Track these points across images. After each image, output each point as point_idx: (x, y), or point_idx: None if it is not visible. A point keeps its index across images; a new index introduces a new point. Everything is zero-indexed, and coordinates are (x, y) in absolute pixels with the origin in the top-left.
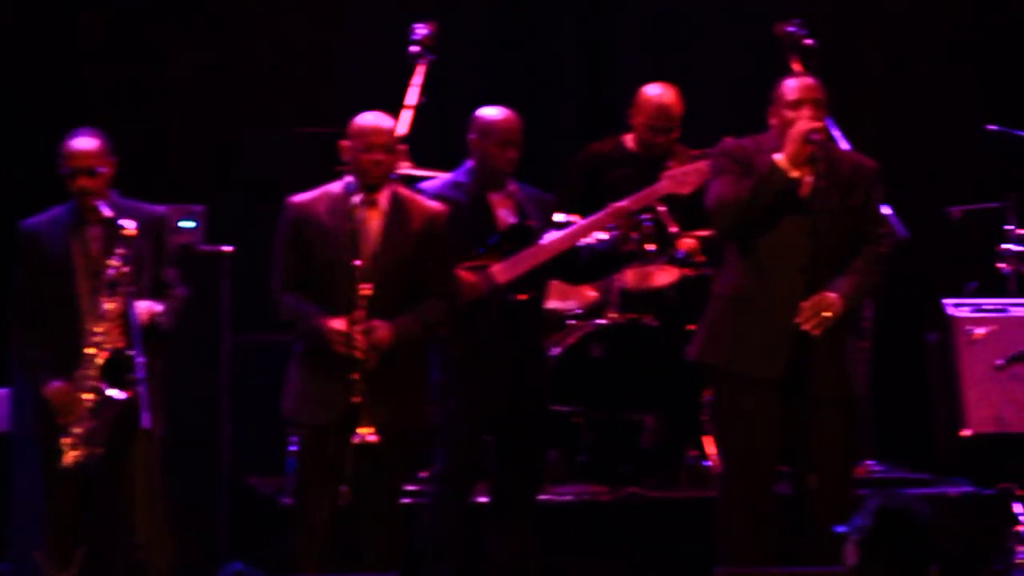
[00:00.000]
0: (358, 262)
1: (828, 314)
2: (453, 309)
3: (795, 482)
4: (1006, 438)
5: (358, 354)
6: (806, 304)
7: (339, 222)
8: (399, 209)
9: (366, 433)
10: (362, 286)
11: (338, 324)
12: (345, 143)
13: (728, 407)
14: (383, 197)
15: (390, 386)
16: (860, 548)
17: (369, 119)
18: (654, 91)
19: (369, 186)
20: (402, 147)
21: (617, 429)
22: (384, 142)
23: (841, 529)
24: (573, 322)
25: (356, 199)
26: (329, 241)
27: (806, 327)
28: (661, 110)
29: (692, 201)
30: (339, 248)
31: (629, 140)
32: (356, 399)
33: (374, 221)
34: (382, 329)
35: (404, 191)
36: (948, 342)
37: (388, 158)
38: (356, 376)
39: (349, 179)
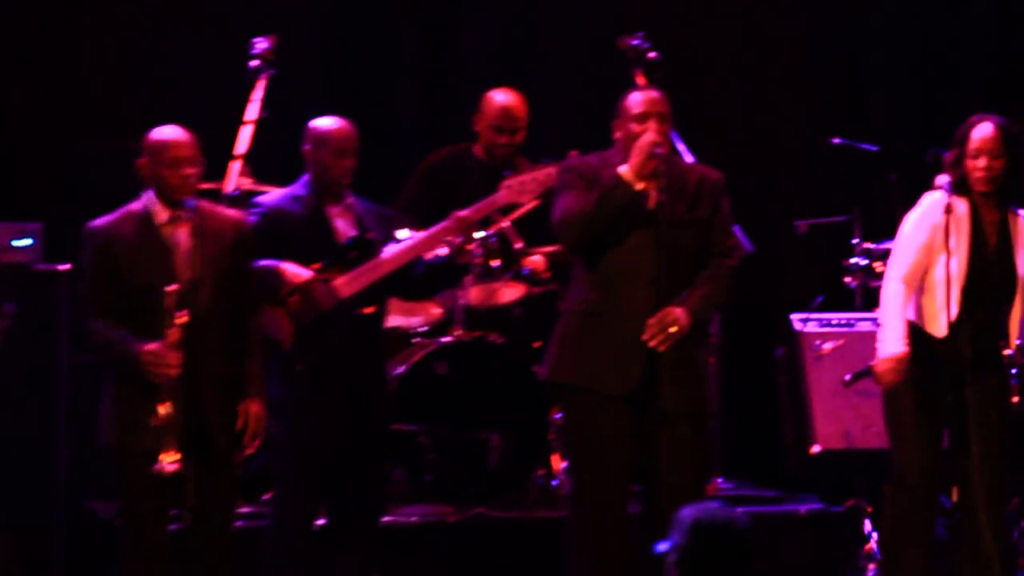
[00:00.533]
0: (172, 287)
1: (674, 329)
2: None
3: (647, 500)
4: (855, 454)
5: (172, 372)
6: (652, 320)
7: (148, 244)
8: (206, 223)
9: (166, 461)
10: (178, 314)
11: (152, 347)
12: (143, 160)
13: (578, 425)
14: (188, 213)
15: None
16: (678, 567)
17: (169, 133)
18: (498, 94)
19: (175, 202)
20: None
21: (463, 448)
22: (189, 155)
23: (660, 549)
24: (418, 340)
25: (162, 218)
26: (141, 265)
27: (652, 343)
28: (505, 111)
29: (538, 217)
30: (152, 272)
31: (475, 149)
32: (157, 422)
33: (184, 239)
34: None
35: (204, 203)
36: (796, 357)
37: (196, 172)
38: (164, 403)
39: (149, 196)
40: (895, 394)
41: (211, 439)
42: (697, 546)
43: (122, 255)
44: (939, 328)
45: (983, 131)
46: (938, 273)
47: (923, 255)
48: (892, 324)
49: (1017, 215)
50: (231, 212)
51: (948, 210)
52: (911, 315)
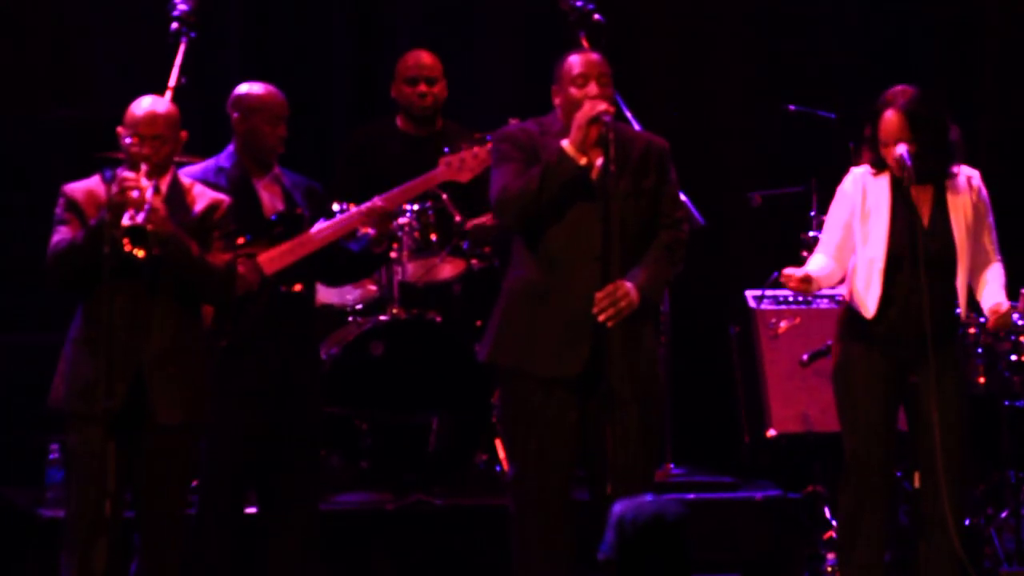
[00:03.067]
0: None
1: (623, 304)
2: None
3: (592, 487)
4: (813, 438)
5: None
6: (600, 294)
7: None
8: (177, 196)
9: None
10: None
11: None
12: (121, 129)
13: (520, 409)
14: (163, 184)
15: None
16: (613, 565)
17: (145, 105)
18: (409, 53)
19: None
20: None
21: (401, 433)
22: (161, 130)
23: (602, 550)
24: (353, 318)
25: None
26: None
27: (601, 318)
28: (414, 61)
29: (475, 188)
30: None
31: (398, 121)
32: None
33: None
34: None
35: (184, 179)
36: (750, 336)
37: (169, 144)
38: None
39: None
40: (843, 376)
41: (154, 415)
42: (628, 543)
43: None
44: (867, 309)
45: (888, 118)
46: (862, 252)
47: (846, 233)
48: (809, 260)
49: (955, 178)
50: (213, 194)
51: (907, 180)
52: (847, 295)
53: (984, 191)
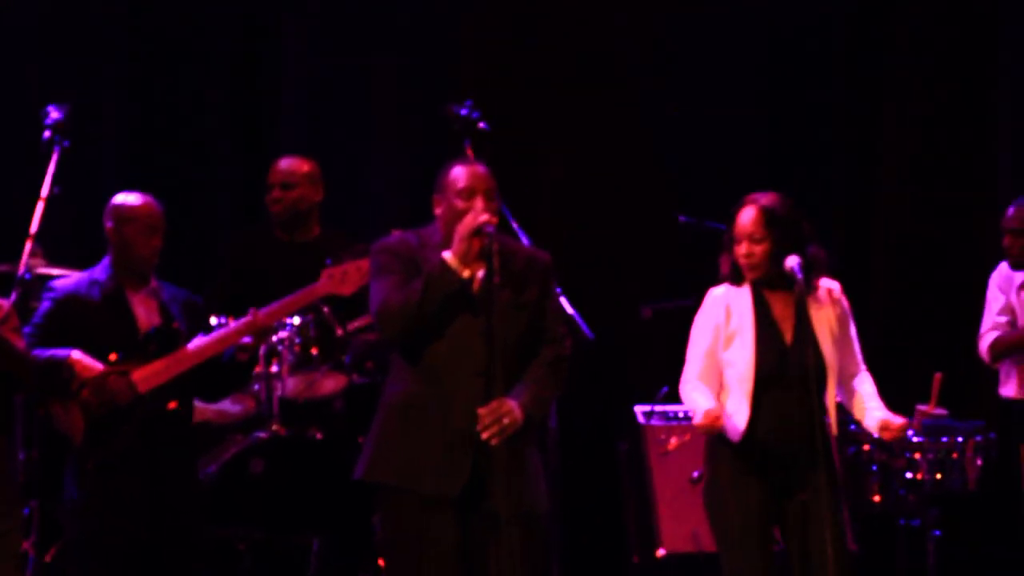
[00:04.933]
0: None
1: (507, 421)
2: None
3: None
4: (704, 557)
5: None
6: (483, 411)
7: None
8: None
9: None
10: None
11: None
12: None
13: (399, 530)
14: None
15: None
16: None
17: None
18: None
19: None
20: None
21: (281, 554)
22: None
23: None
24: (231, 435)
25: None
26: None
27: (485, 435)
28: (273, 168)
29: (358, 300)
30: None
31: (276, 229)
32: None
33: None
34: None
35: None
36: (639, 453)
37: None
38: None
39: None
40: (715, 498)
41: None
42: None
43: None
44: (735, 431)
45: (743, 214)
46: (729, 374)
47: (711, 359)
48: (697, 397)
49: (816, 292)
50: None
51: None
52: None
53: (845, 302)
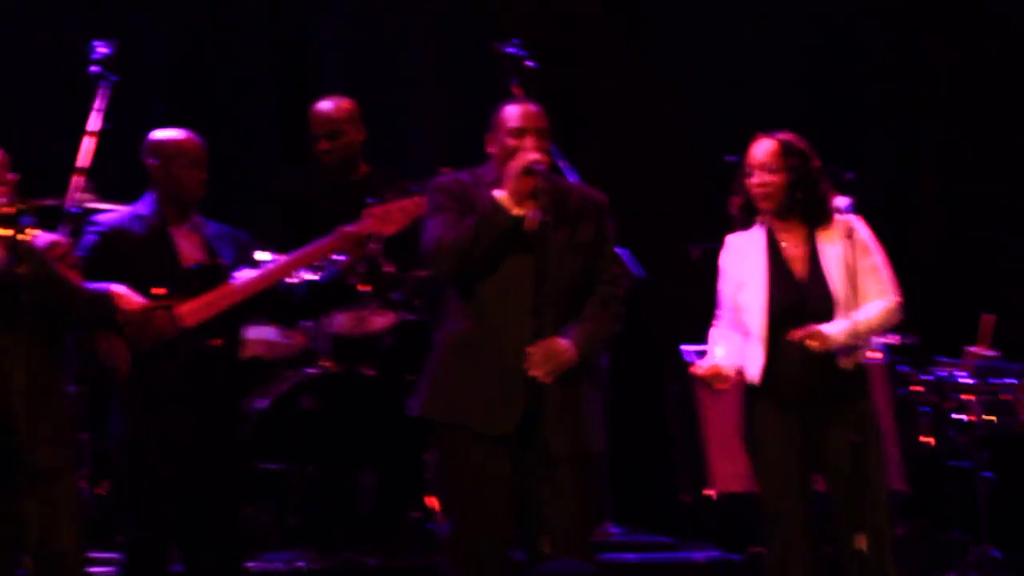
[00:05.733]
0: None
1: (560, 361)
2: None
3: (529, 546)
4: (754, 497)
5: None
6: (532, 349)
7: None
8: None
9: None
10: None
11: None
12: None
13: (454, 465)
14: None
15: None
16: None
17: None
18: (316, 103)
19: None
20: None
21: (331, 489)
22: None
23: None
24: (282, 371)
25: None
26: None
27: (534, 373)
28: (314, 117)
29: (407, 239)
30: None
31: (319, 168)
32: None
33: None
34: None
35: None
36: (689, 393)
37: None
38: None
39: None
40: (751, 436)
41: (30, 456)
42: None
43: None
44: (753, 374)
45: (759, 147)
46: (746, 319)
47: (733, 301)
48: (712, 348)
49: (829, 226)
50: None
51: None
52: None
53: (864, 231)
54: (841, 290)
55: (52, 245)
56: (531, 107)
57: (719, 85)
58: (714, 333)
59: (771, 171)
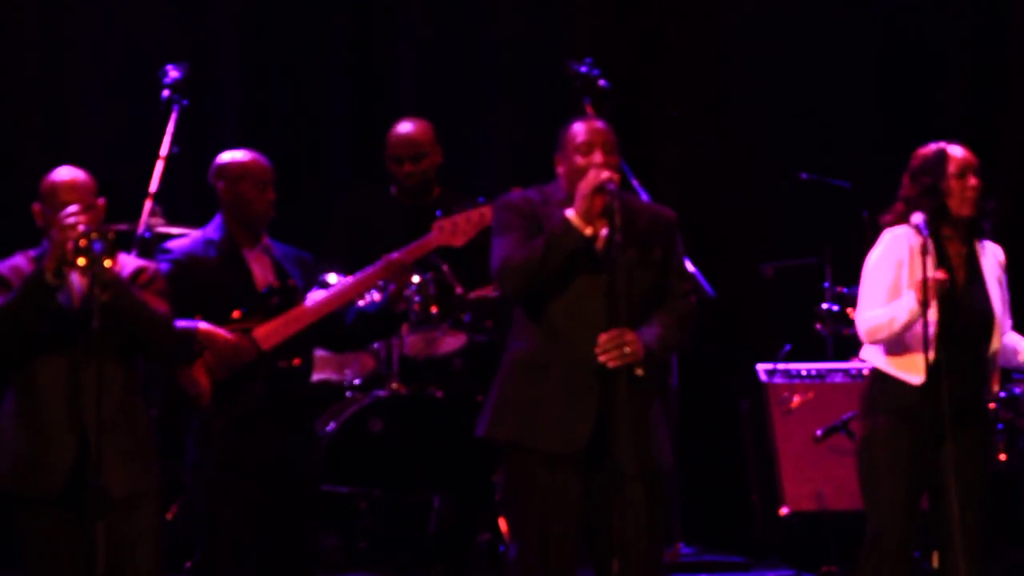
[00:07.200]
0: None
1: (628, 349)
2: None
3: (598, 567)
4: (827, 516)
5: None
6: (604, 336)
7: None
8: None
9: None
10: None
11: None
12: (39, 205)
13: (522, 486)
14: None
15: None
16: None
17: (65, 174)
18: (397, 124)
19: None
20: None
21: (400, 512)
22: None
23: None
24: (351, 394)
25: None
26: None
27: (603, 358)
28: (397, 139)
29: (476, 259)
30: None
31: (392, 188)
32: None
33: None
34: None
35: None
36: (762, 411)
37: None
38: None
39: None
40: (869, 452)
41: (107, 487)
42: None
43: None
44: (916, 375)
45: (960, 151)
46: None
47: (892, 296)
48: (888, 307)
49: (984, 247)
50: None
51: (924, 250)
52: (882, 364)
53: (1003, 255)
54: (999, 309)
55: (138, 271)
56: (597, 123)
57: (792, 104)
58: (867, 314)
59: (980, 174)
